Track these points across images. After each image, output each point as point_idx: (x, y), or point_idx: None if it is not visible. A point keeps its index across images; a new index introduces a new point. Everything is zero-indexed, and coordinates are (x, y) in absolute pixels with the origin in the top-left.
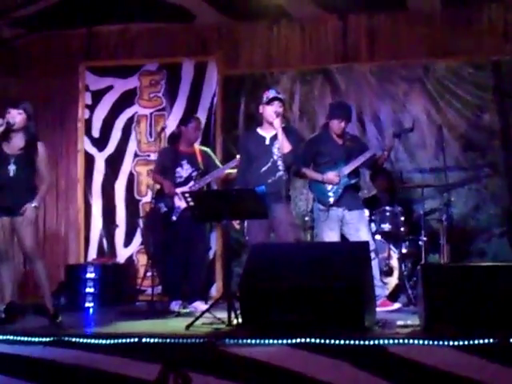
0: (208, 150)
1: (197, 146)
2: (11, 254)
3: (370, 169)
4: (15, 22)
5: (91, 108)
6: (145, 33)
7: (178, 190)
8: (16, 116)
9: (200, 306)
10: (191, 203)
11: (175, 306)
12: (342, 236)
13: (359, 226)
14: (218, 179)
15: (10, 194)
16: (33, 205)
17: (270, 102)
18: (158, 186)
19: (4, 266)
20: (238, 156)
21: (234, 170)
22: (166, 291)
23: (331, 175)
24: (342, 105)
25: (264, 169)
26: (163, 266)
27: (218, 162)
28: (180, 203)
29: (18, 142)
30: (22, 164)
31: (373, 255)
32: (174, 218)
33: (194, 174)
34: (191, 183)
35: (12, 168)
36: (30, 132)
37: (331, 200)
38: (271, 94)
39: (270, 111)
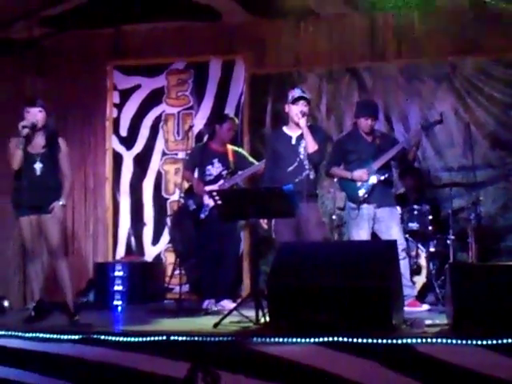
0: (240, 150)
1: (229, 146)
2: (39, 252)
3: (399, 165)
4: (44, 21)
5: (119, 107)
6: (172, 32)
7: (207, 189)
8: (37, 114)
9: (228, 304)
10: (218, 202)
11: (208, 304)
12: (374, 234)
13: (390, 224)
14: (247, 178)
15: (37, 192)
16: (60, 203)
17: (295, 101)
18: (187, 184)
19: (32, 264)
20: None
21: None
22: (197, 290)
23: (360, 172)
24: (368, 103)
25: (290, 168)
26: (194, 264)
27: (250, 160)
28: (209, 201)
29: (39, 140)
30: (47, 162)
31: (404, 254)
32: (203, 216)
33: (224, 172)
34: (221, 182)
35: (38, 166)
36: (50, 129)
37: (361, 196)
38: (296, 93)
39: (296, 111)
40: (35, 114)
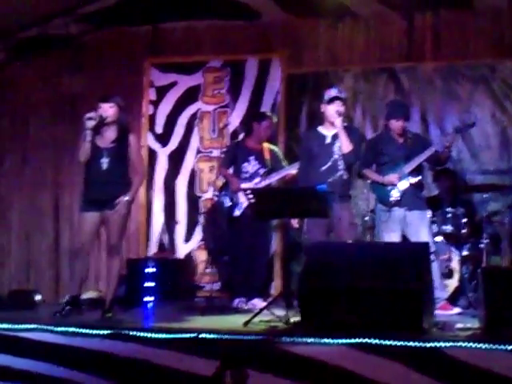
0: (277, 149)
1: (266, 144)
2: (90, 248)
3: (432, 167)
4: (81, 18)
5: (155, 104)
6: (209, 30)
7: (243, 186)
8: (107, 110)
9: (258, 303)
10: (252, 200)
11: (239, 303)
12: (404, 237)
13: (420, 228)
14: (280, 180)
15: (102, 187)
16: (126, 198)
17: (331, 101)
18: (222, 181)
19: (80, 260)
20: None
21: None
22: (228, 288)
23: (392, 177)
24: (399, 103)
25: (324, 168)
26: (226, 262)
27: (284, 163)
28: (244, 199)
29: (110, 135)
30: (114, 157)
31: (432, 257)
32: (238, 213)
33: (261, 170)
34: (257, 179)
35: (105, 161)
36: (122, 124)
37: (392, 200)
38: (332, 93)
39: (332, 111)
40: (106, 110)
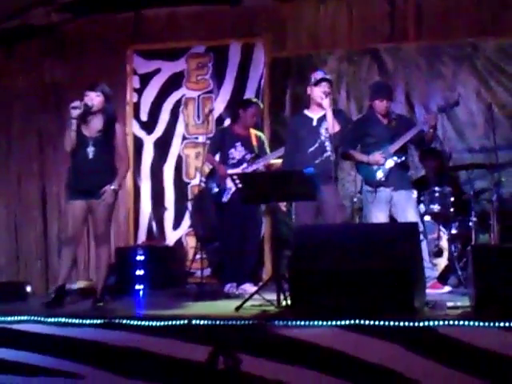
0: (262, 135)
1: (252, 130)
2: (78, 238)
3: (417, 147)
4: (63, 7)
5: (139, 91)
6: (192, 16)
7: (230, 172)
8: (94, 98)
9: (249, 288)
10: (239, 185)
11: (230, 288)
12: (391, 217)
13: (406, 207)
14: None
15: (88, 176)
16: (112, 187)
17: (317, 83)
18: (209, 167)
19: (67, 249)
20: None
21: (278, 161)
22: (219, 273)
23: (377, 156)
24: (382, 84)
25: (311, 149)
26: (215, 248)
27: (267, 150)
28: (231, 185)
29: (96, 124)
30: (100, 146)
31: (421, 237)
32: (225, 199)
33: (248, 156)
34: (244, 165)
35: (91, 150)
36: (109, 113)
37: (378, 180)
38: (319, 75)
39: (319, 92)
40: (92, 98)
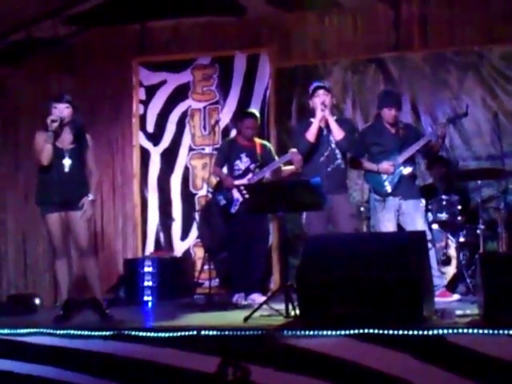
0: (268, 144)
1: (257, 140)
2: (67, 250)
3: (425, 157)
4: (69, 19)
5: (145, 103)
6: (197, 27)
7: (236, 183)
8: (64, 110)
9: (258, 298)
10: (246, 196)
11: (238, 298)
12: (399, 226)
13: (415, 216)
14: (275, 174)
15: (66, 188)
16: (90, 198)
17: (314, 92)
18: (216, 179)
19: (60, 263)
20: (291, 150)
21: (288, 167)
22: (227, 284)
23: (386, 165)
24: (390, 93)
25: (322, 158)
26: (223, 258)
27: (275, 157)
28: (238, 195)
29: (67, 136)
30: (75, 158)
31: (429, 245)
32: (233, 210)
33: (252, 166)
34: (249, 175)
35: (67, 162)
36: (78, 125)
37: (387, 190)
38: (313, 85)
39: (318, 104)
40: (62, 110)
